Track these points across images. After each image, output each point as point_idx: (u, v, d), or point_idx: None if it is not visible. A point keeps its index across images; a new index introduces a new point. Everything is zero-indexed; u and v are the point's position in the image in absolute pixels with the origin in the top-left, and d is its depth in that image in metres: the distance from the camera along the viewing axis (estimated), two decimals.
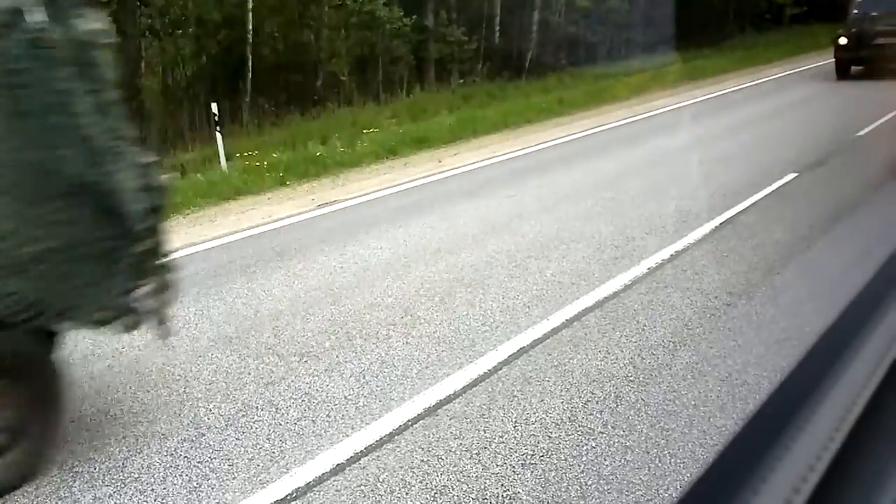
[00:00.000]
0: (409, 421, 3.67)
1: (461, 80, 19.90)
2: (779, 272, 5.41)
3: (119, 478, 3.40)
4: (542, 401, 3.78)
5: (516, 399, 3.82)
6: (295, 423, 3.74)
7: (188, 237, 7.59)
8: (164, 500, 3.24)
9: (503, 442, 3.45)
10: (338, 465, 3.35)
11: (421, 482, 3.19)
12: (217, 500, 3.21)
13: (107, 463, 3.52)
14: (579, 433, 3.48)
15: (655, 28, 20.99)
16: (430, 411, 3.75)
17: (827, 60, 17.92)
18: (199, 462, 3.48)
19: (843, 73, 16.77)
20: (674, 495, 2.99)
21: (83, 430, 3.82)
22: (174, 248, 7.00)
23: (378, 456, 3.40)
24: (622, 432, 3.46)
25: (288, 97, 17.61)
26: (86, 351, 4.80)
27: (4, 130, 3.07)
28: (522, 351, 4.35)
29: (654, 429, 3.47)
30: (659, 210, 7.23)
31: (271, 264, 6.36)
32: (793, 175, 8.17)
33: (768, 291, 5.08)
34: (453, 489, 3.14)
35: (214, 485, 3.30)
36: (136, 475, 3.41)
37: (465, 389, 3.94)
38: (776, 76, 18.52)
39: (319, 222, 7.83)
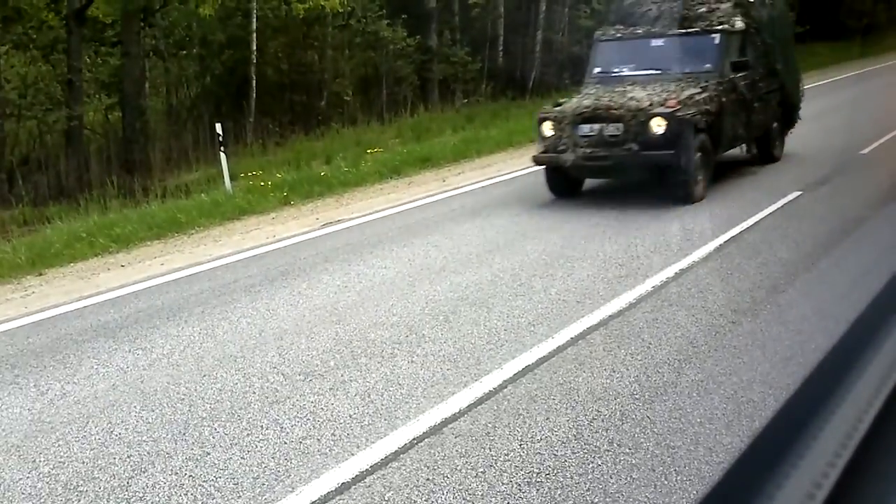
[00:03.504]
0: (414, 439, 3.66)
1: (465, 100, 19.96)
2: (784, 290, 5.40)
3: (123, 497, 3.39)
4: (547, 419, 3.77)
5: (522, 417, 3.81)
6: (300, 442, 3.74)
7: (193, 257, 7.62)
8: None
9: (509, 460, 3.44)
10: (343, 483, 3.34)
11: (426, 501, 3.18)
12: None
13: (111, 482, 3.52)
14: (585, 451, 3.46)
15: None
16: (436, 430, 3.74)
17: (837, 77, 17.91)
18: (203, 481, 3.47)
19: None
20: None
21: (87, 449, 3.82)
22: (178, 268, 7.06)
23: (383, 475, 3.39)
24: (628, 450, 3.45)
25: (292, 117, 17.69)
26: (90, 370, 4.81)
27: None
28: (528, 369, 4.34)
29: (659, 447, 3.46)
30: (663, 228, 7.23)
31: (276, 284, 6.38)
32: (797, 193, 8.18)
33: (773, 309, 5.07)
34: None
35: None
36: (141, 494, 3.40)
37: (470, 408, 3.93)
38: None
39: (324, 242, 7.85)
